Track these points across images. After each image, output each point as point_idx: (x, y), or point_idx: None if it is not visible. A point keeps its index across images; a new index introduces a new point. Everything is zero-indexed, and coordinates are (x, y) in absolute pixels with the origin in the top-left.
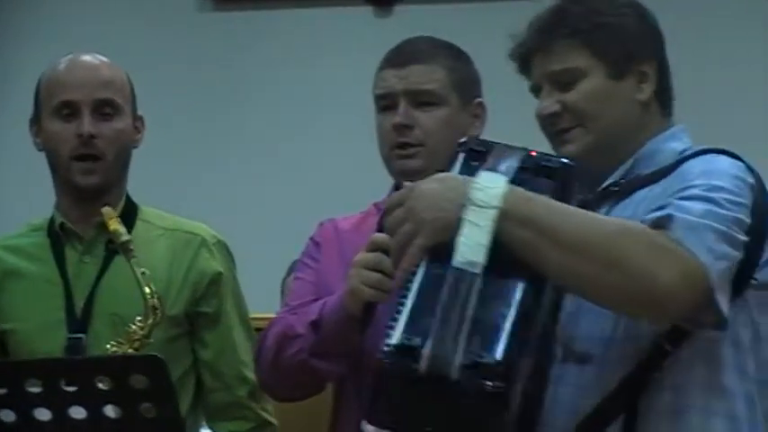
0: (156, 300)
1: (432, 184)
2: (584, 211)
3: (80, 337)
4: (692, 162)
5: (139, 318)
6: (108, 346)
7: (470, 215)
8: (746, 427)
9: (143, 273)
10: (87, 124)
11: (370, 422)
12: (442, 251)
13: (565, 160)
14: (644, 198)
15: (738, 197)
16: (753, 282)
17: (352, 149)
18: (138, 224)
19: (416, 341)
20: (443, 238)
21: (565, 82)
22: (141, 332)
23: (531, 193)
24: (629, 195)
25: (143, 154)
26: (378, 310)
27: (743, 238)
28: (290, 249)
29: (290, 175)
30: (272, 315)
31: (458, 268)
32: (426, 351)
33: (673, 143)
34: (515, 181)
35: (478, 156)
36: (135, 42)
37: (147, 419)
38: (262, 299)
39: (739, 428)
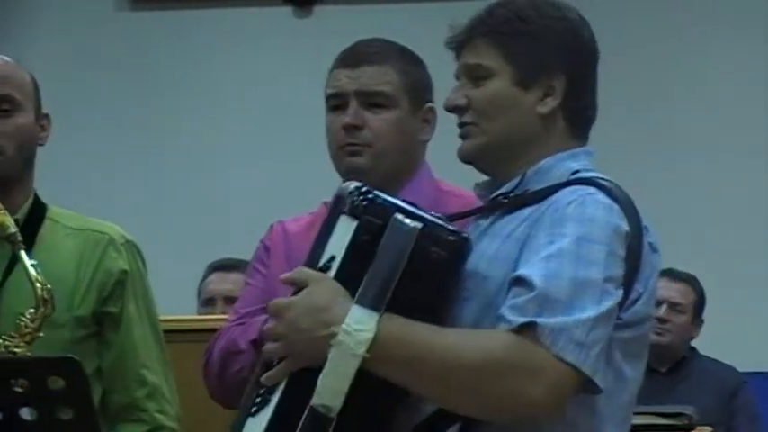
0: (45, 292)
1: (304, 312)
2: (450, 336)
3: None
4: (565, 194)
5: (31, 310)
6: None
7: (336, 358)
8: None
9: (32, 265)
10: None
11: None
12: (303, 374)
13: (454, 237)
14: (526, 218)
15: (609, 246)
16: (617, 322)
17: (271, 150)
18: (47, 224)
19: None
20: (311, 364)
21: (476, 77)
22: (32, 325)
23: (398, 329)
24: (517, 210)
25: (58, 153)
26: None
27: (617, 297)
28: (203, 251)
29: (206, 175)
30: (186, 317)
31: (314, 407)
32: None
33: (569, 163)
34: (398, 284)
35: (371, 232)
36: (52, 41)
37: (64, 421)
38: (175, 300)
39: None
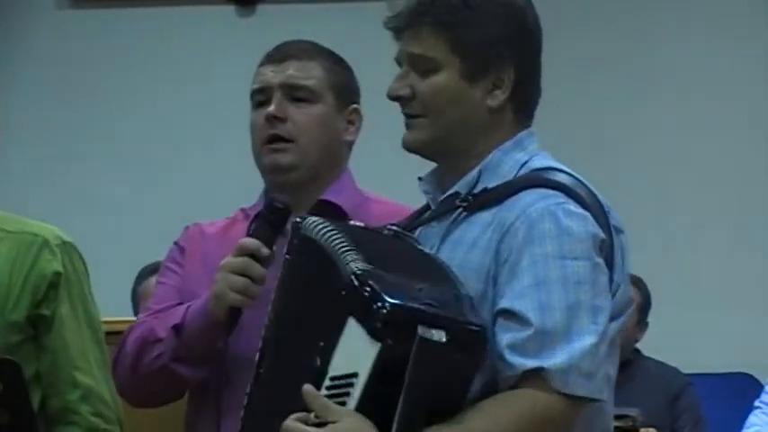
0: None
1: None
2: (480, 421)
3: None
4: (534, 199)
5: None
6: None
7: None
8: None
9: None
10: None
11: None
12: None
13: (474, 332)
14: (488, 224)
15: (592, 259)
16: None
17: (212, 150)
18: None
19: None
20: None
21: (422, 68)
22: None
23: None
24: (474, 213)
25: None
26: (243, 315)
27: (608, 306)
28: (145, 253)
29: (147, 176)
30: (125, 318)
31: None
32: None
33: (517, 153)
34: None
35: (398, 351)
36: None
37: (0, 425)
38: (115, 303)
39: None
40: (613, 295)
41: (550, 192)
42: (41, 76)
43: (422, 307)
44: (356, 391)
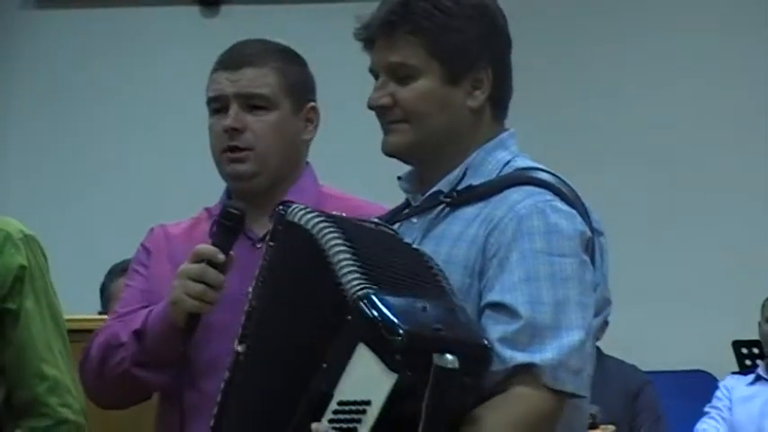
0: None
1: None
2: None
3: None
4: (522, 196)
5: None
6: None
7: None
8: None
9: None
10: None
11: None
12: None
13: (482, 349)
14: (473, 219)
15: (578, 256)
16: None
17: (177, 149)
18: None
19: None
20: None
21: (400, 76)
22: None
23: None
24: (458, 208)
25: None
26: (209, 318)
27: (593, 302)
28: (111, 250)
29: (115, 174)
30: (92, 317)
31: None
32: None
33: (499, 153)
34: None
35: (413, 383)
36: None
37: None
38: (80, 299)
39: None
40: (594, 291)
41: (537, 189)
42: (7, 77)
43: (434, 334)
44: (369, 419)
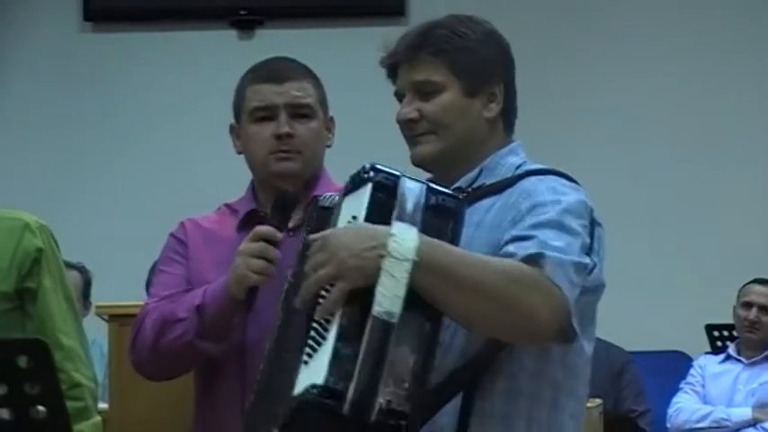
0: None
1: (350, 233)
2: (477, 255)
3: None
4: (534, 181)
5: None
6: None
7: (389, 266)
8: (567, 414)
9: None
10: None
11: None
12: (357, 296)
13: (455, 197)
14: (490, 207)
15: (582, 219)
16: (581, 289)
17: (217, 165)
18: None
19: (341, 385)
20: (364, 283)
21: (425, 92)
22: None
23: (436, 242)
24: (475, 202)
25: (22, 161)
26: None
27: (587, 261)
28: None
29: (156, 189)
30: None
31: (377, 317)
32: (349, 395)
33: (511, 158)
34: (421, 222)
35: (386, 190)
36: (22, 58)
37: (31, 395)
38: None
39: (560, 416)
40: (591, 271)
41: (547, 176)
42: (63, 92)
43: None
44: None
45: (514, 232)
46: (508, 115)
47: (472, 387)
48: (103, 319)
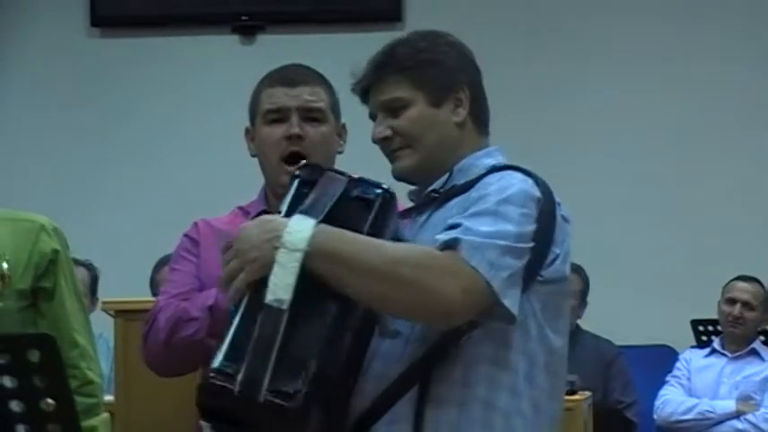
0: (4, 269)
1: (254, 228)
2: (380, 241)
3: None
4: (489, 177)
5: None
6: None
7: (280, 257)
8: (525, 401)
9: None
10: None
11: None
12: (258, 285)
13: (382, 189)
14: (455, 204)
15: (523, 208)
16: (539, 279)
17: (214, 164)
18: None
19: (233, 368)
20: (263, 274)
21: (393, 109)
22: None
23: (335, 231)
24: (447, 202)
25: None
26: None
27: (528, 245)
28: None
29: (160, 191)
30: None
31: (268, 305)
32: (240, 377)
33: (486, 160)
34: (334, 211)
35: (309, 184)
36: (28, 63)
37: (40, 388)
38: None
39: (518, 403)
40: (552, 263)
41: (507, 172)
42: (73, 99)
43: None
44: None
45: (450, 221)
46: (478, 116)
47: (429, 375)
48: (110, 314)
